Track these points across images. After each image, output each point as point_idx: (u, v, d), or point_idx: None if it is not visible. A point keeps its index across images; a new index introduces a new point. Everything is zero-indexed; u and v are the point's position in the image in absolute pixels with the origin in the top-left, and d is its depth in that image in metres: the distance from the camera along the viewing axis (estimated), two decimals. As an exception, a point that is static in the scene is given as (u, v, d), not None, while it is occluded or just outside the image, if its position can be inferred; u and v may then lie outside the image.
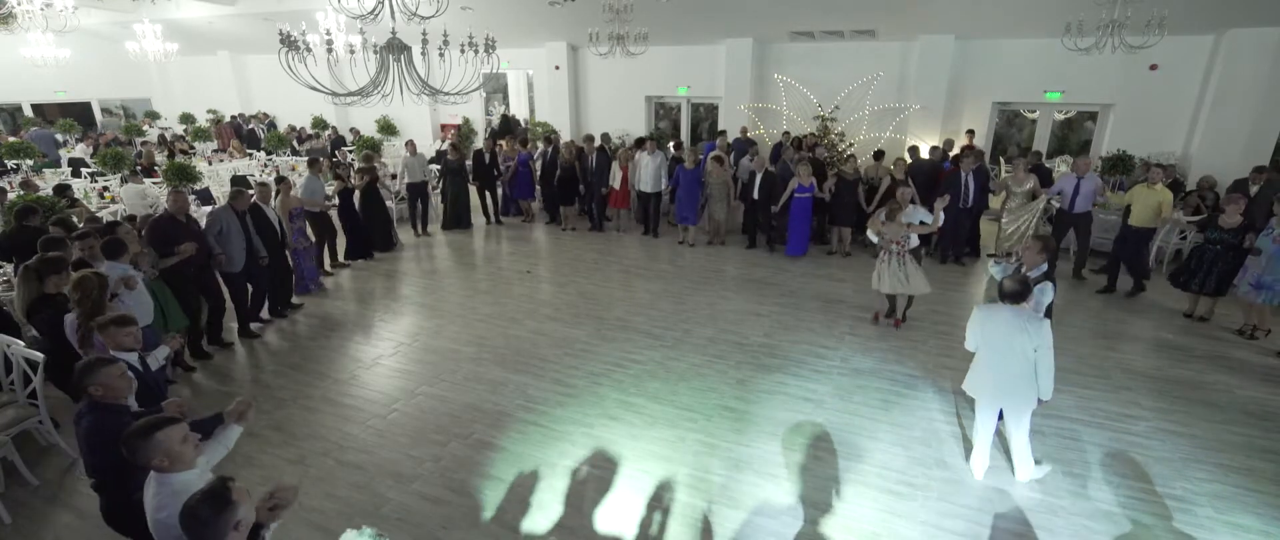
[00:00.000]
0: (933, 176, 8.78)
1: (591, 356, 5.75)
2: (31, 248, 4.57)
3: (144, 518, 2.26)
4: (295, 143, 14.57)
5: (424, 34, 4.84)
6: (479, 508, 3.80)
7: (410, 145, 10.12)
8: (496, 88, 17.82)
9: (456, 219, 10.27)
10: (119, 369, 2.70)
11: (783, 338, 6.14)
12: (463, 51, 5.28)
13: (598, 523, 3.68)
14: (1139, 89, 10.23)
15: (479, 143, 13.96)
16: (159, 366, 3.64)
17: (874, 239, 6.20)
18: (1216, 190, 8.13)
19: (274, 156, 13.30)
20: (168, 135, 15.16)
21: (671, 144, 10.96)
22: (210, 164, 11.86)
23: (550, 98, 15.03)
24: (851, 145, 11.70)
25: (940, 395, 5.08)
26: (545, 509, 3.79)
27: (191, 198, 6.90)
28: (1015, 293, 3.66)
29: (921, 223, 6.13)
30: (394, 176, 11.17)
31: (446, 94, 5.04)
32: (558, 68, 14.56)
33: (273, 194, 6.72)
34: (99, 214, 7.89)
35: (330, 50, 5.05)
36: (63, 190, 8.02)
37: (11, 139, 12.15)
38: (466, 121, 15.83)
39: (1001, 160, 12.49)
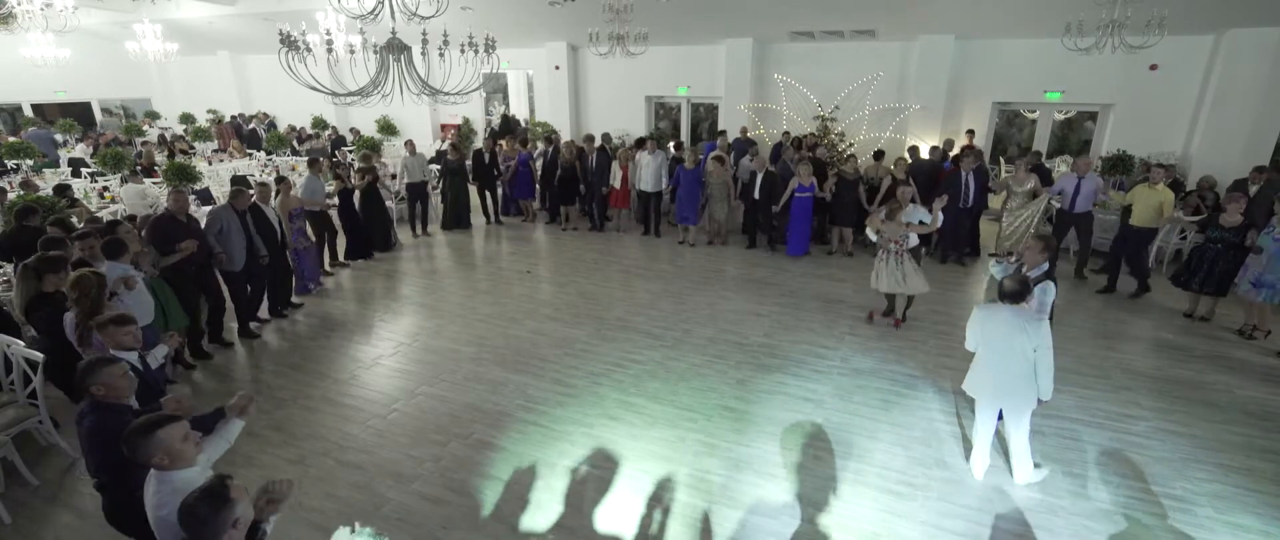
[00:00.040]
0: (933, 176, 8.78)
1: (591, 356, 5.75)
2: (31, 248, 4.57)
3: (146, 517, 2.26)
4: (295, 143, 14.57)
5: (424, 34, 4.83)
6: (479, 508, 3.80)
7: (409, 145, 10.12)
8: (496, 88, 17.82)
9: (456, 219, 10.27)
10: (121, 369, 2.70)
11: (783, 338, 6.14)
12: (463, 51, 5.28)
13: (597, 522, 3.68)
14: (1139, 89, 10.23)
15: (479, 143, 13.95)
16: (158, 365, 3.64)
17: (873, 237, 6.21)
18: (1216, 190, 8.13)
19: (274, 156, 13.30)
20: (168, 135, 15.16)
21: (672, 144, 10.97)
22: (210, 164, 11.86)
23: (550, 98, 15.03)
24: (851, 145, 11.70)
25: (940, 395, 5.08)
26: (545, 509, 3.79)
27: (191, 198, 6.90)
28: (1015, 292, 3.66)
29: (920, 222, 6.14)
30: (394, 176, 11.17)
31: (446, 94, 5.04)
32: (558, 68, 14.56)
33: (272, 194, 6.72)
34: (99, 214, 7.89)
35: (330, 50, 5.05)
36: (63, 190, 8.02)
37: (11, 139, 12.15)
38: (466, 121, 15.83)
39: (1001, 160, 12.50)
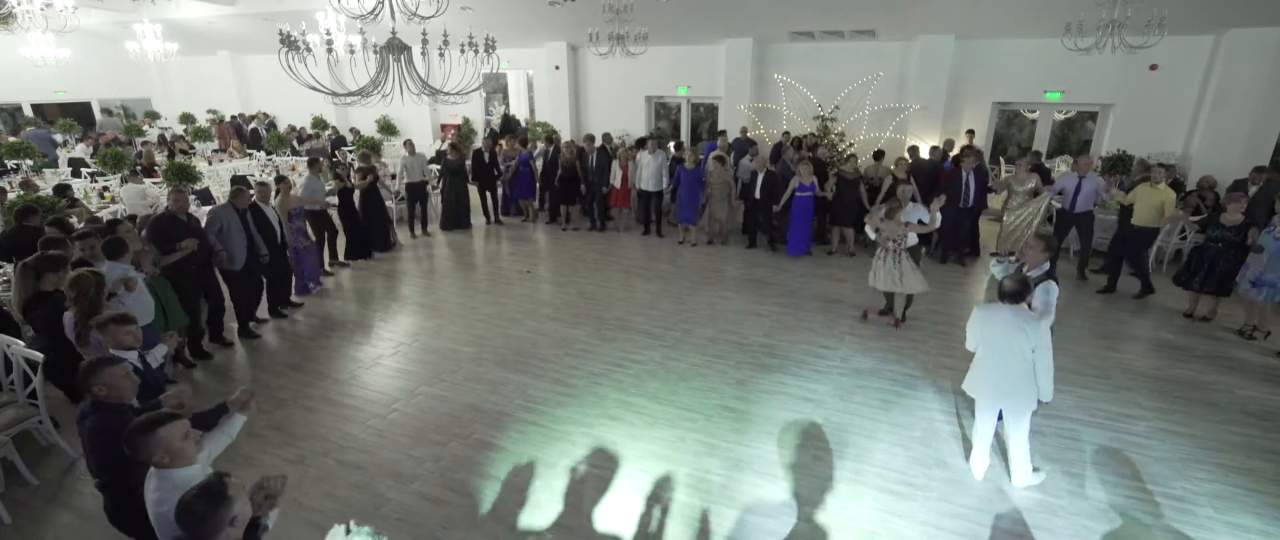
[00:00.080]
0: (933, 176, 8.79)
1: (591, 356, 5.75)
2: (31, 248, 4.57)
3: (148, 517, 2.26)
4: (295, 143, 14.57)
5: (424, 34, 4.83)
6: (479, 507, 3.80)
7: (409, 145, 10.12)
8: (496, 88, 17.82)
9: (456, 219, 10.27)
10: (124, 369, 2.70)
11: (783, 338, 6.14)
12: (463, 51, 5.28)
13: (597, 522, 3.68)
14: (1139, 89, 10.23)
15: (479, 143, 13.95)
16: (158, 365, 3.64)
17: (872, 235, 6.22)
18: (1216, 190, 8.14)
19: (274, 156, 13.30)
20: (168, 135, 15.16)
21: (672, 144, 10.97)
22: (210, 164, 11.86)
23: (550, 98, 15.03)
24: (851, 145, 11.70)
25: (940, 395, 5.08)
26: (545, 508, 3.79)
27: (191, 197, 6.90)
28: (1014, 293, 3.66)
29: (920, 222, 6.15)
30: (394, 176, 11.17)
31: (446, 94, 5.04)
32: (558, 68, 14.56)
33: (272, 193, 6.72)
34: (99, 214, 7.89)
35: (330, 50, 5.05)
36: (63, 190, 8.02)
37: (11, 139, 12.15)
38: (466, 121, 15.83)
39: (1001, 160, 12.50)
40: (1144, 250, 7.18)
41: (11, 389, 4.22)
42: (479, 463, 4.21)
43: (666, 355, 5.76)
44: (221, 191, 9.56)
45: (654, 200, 9.70)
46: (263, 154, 13.59)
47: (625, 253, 9.08)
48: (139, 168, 10.20)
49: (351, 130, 16.14)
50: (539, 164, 10.78)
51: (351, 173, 8.87)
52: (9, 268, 5.59)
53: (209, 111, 17.19)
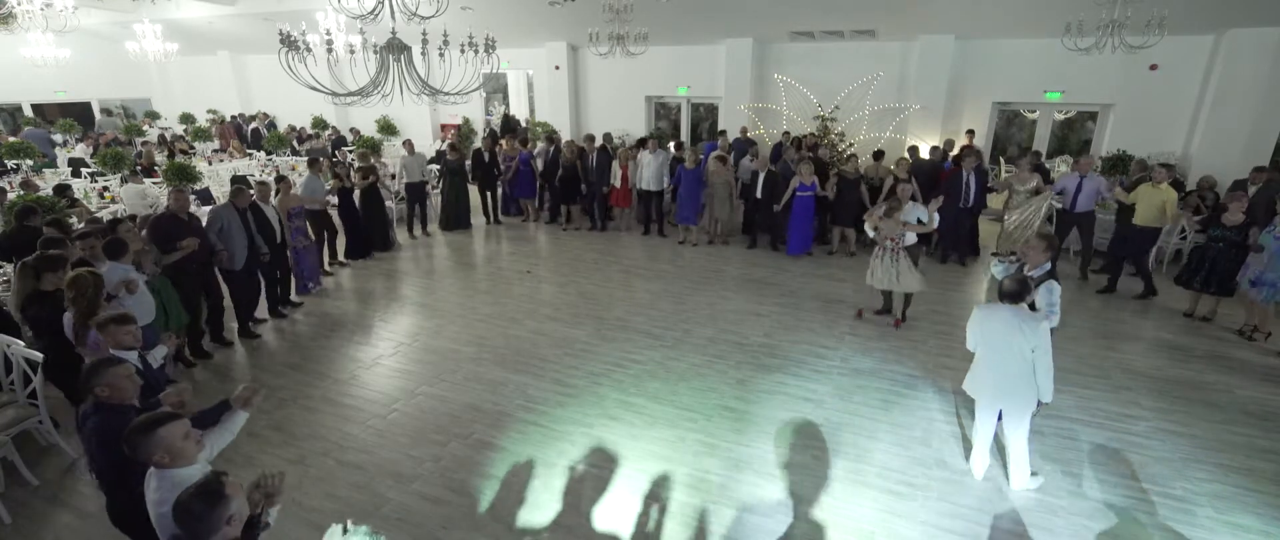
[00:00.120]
0: (933, 176, 8.79)
1: (591, 356, 5.75)
2: (31, 248, 4.56)
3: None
4: (295, 143, 14.57)
5: (424, 34, 4.83)
6: (479, 507, 3.80)
7: (408, 145, 10.12)
8: (496, 88, 17.82)
9: (456, 219, 10.26)
10: (126, 370, 2.69)
11: (783, 338, 6.14)
12: (463, 51, 5.28)
13: (597, 522, 3.68)
14: (1139, 89, 10.23)
15: (479, 143, 13.96)
16: (158, 365, 3.64)
17: (871, 233, 6.23)
18: (1216, 190, 8.14)
19: (274, 156, 13.30)
20: (167, 135, 15.16)
21: (672, 144, 10.97)
22: (210, 164, 11.86)
23: (550, 98, 15.03)
24: (851, 145, 11.71)
25: (940, 395, 5.08)
26: (545, 508, 3.79)
27: (191, 197, 6.90)
28: (1014, 293, 3.66)
29: (919, 222, 6.16)
30: (393, 176, 11.17)
31: (446, 94, 5.04)
32: (558, 68, 14.56)
33: (272, 192, 6.72)
34: (99, 214, 7.89)
35: (330, 50, 5.05)
36: (63, 190, 8.02)
37: (11, 139, 12.15)
38: (466, 121, 15.83)
39: (1001, 160, 12.50)
40: (1147, 250, 7.17)
41: (11, 389, 4.22)
42: (479, 463, 4.21)
43: (666, 355, 5.76)
44: (221, 191, 9.56)
45: (655, 200, 9.70)
46: (263, 154, 13.59)
47: (625, 253, 9.08)
48: (139, 168, 10.20)
49: (351, 130, 16.14)
50: (539, 163, 10.79)
51: (351, 172, 8.87)
52: (9, 268, 5.59)
53: (209, 111, 17.19)
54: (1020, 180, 8.08)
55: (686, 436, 4.51)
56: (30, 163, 11.16)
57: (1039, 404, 3.74)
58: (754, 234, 9.29)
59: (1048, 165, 10.28)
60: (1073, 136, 12.53)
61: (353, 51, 6.94)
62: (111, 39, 15.41)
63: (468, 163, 10.56)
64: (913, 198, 6.74)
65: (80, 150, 12.88)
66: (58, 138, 14.12)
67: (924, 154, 9.44)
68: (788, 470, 4.15)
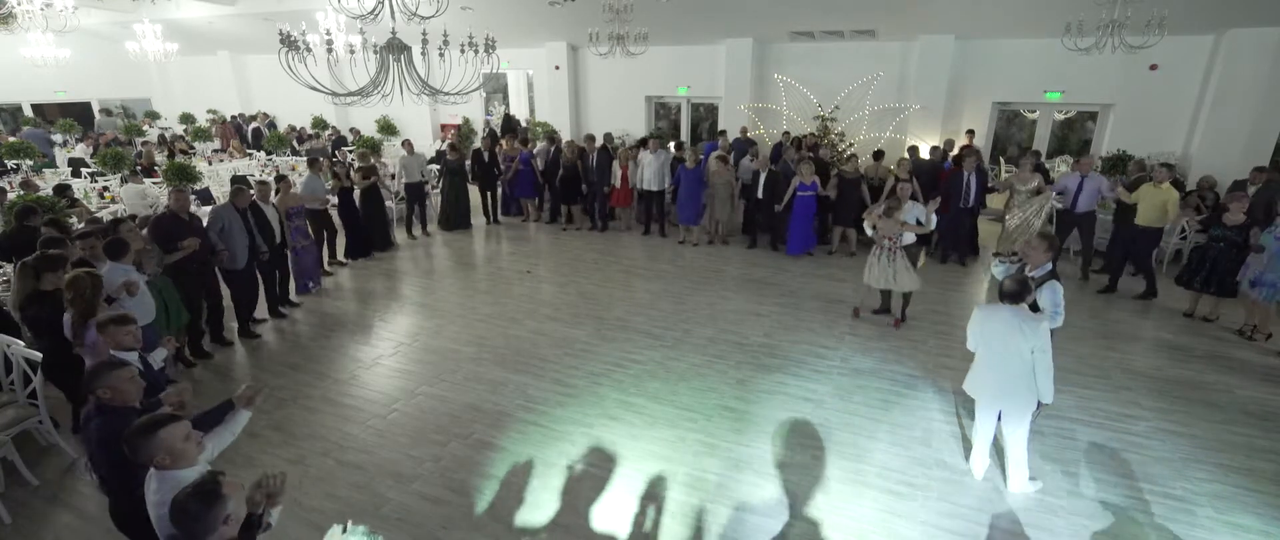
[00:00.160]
0: (934, 176, 8.79)
1: (591, 356, 5.75)
2: (31, 248, 4.56)
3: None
4: (295, 143, 14.57)
5: (424, 34, 4.83)
6: (479, 507, 3.80)
7: (407, 145, 10.12)
8: (496, 88, 17.82)
9: (456, 219, 10.26)
10: (129, 373, 2.69)
11: (783, 338, 6.14)
12: (463, 51, 5.28)
13: (597, 522, 3.68)
14: (1139, 89, 10.23)
15: (478, 143, 13.96)
16: (159, 367, 3.64)
17: (869, 232, 6.24)
18: (1216, 190, 8.14)
19: (274, 156, 13.30)
20: (167, 135, 15.16)
21: (672, 144, 10.97)
22: (210, 164, 11.86)
23: (550, 98, 15.03)
24: (851, 145, 11.71)
25: (940, 395, 5.08)
26: (545, 508, 3.79)
27: (191, 197, 6.91)
28: (1015, 293, 3.65)
29: (917, 222, 6.16)
30: (393, 176, 11.17)
31: (446, 94, 5.04)
32: (558, 68, 14.56)
33: (272, 192, 6.72)
34: (99, 214, 7.89)
35: (330, 50, 5.05)
36: (63, 190, 8.02)
37: (11, 139, 12.15)
38: (466, 121, 15.83)
39: (1001, 160, 12.50)
40: (1150, 251, 7.16)
41: (11, 389, 4.22)
42: (479, 463, 4.21)
43: (666, 355, 5.76)
44: (221, 191, 9.56)
45: (655, 200, 9.70)
46: (263, 154, 13.59)
47: (625, 253, 9.08)
48: (139, 168, 10.19)
49: (351, 130, 16.14)
50: (540, 163, 10.79)
51: (351, 172, 8.87)
52: (9, 268, 5.59)
53: (209, 111, 17.19)
54: (1022, 180, 8.08)
55: (686, 436, 4.51)
56: (30, 163, 11.16)
57: (1039, 406, 3.74)
58: (754, 234, 9.29)
59: (1047, 165, 10.27)
60: (1072, 136, 12.53)
61: (353, 51, 6.94)
62: (111, 39, 15.41)
63: (468, 163, 10.55)
64: (913, 197, 6.75)
65: (80, 150, 12.88)
66: (57, 138, 14.12)
67: (924, 154, 9.44)
68: (787, 470, 4.15)
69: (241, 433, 2.87)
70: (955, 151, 9.55)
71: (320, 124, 16.12)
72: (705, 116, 14.92)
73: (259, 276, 6.38)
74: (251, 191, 6.28)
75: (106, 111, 18.13)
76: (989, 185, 8.58)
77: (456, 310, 6.89)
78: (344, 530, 2.34)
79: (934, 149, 9.52)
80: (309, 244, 7.49)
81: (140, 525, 2.44)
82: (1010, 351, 3.63)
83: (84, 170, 11.18)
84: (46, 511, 3.80)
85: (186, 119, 16.68)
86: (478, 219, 10.71)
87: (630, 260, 8.71)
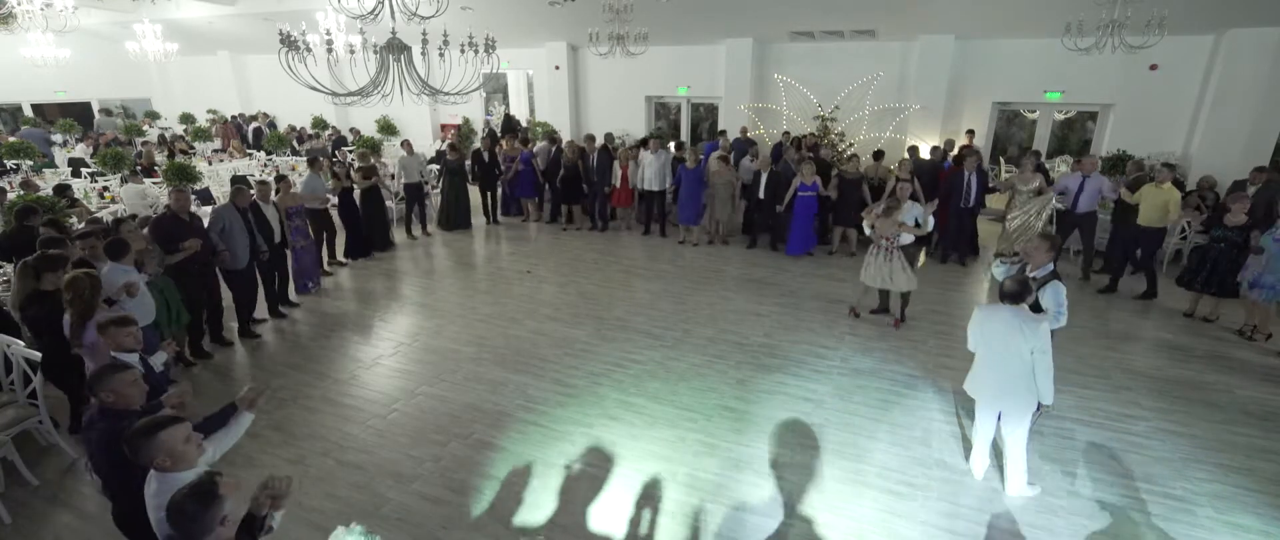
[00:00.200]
0: (934, 176, 8.79)
1: (591, 356, 5.75)
2: (31, 248, 4.56)
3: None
4: (295, 143, 14.57)
5: (424, 34, 4.83)
6: (479, 507, 3.80)
7: (406, 145, 10.12)
8: (496, 88, 17.82)
9: (456, 219, 10.26)
10: (132, 376, 2.68)
11: (783, 338, 6.14)
12: (463, 51, 5.28)
13: (596, 523, 3.68)
14: (1139, 89, 10.23)
15: (478, 143, 13.96)
16: (160, 369, 3.64)
17: (868, 232, 6.25)
18: (1217, 190, 8.14)
19: (274, 156, 13.30)
20: (167, 135, 15.16)
21: (672, 144, 10.97)
22: (210, 164, 11.86)
23: (550, 98, 15.03)
24: (851, 145, 11.71)
25: (940, 395, 5.08)
26: (545, 508, 3.79)
27: (192, 197, 6.91)
28: (1015, 293, 3.65)
29: (915, 222, 6.16)
30: (393, 176, 11.18)
31: (446, 94, 5.04)
32: (558, 68, 14.56)
33: (272, 192, 6.72)
34: (99, 214, 7.89)
35: (330, 50, 5.05)
36: (63, 190, 8.02)
37: (11, 139, 12.15)
38: (466, 121, 15.83)
39: (1001, 160, 12.50)
40: (1153, 251, 7.15)
41: (11, 389, 4.22)
42: (479, 463, 4.21)
43: (667, 355, 5.76)
44: (222, 191, 9.56)
45: (656, 200, 9.70)
46: (263, 154, 13.59)
47: (625, 253, 9.08)
48: (139, 168, 10.19)
49: (351, 130, 16.14)
50: (540, 162, 10.79)
51: (351, 172, 8.87)
52: (9, 268, 5.59)
53: (209, 111, 17.19)
54: (1023, 180, 8.08)
55: (686, 436, 4.51)
56: (30, 163, 11.16)
57: (1039, 408, 3.73)
58: (754, 234, 9.29)
59: (1047, 165, 10.27)
60: (1073, 136, 12.53)
61: (353, 51, 6.94)
62: (111, 39, 15.41)
63: (468, 163, 10.54)
64: (913, 197, 6.75)
65: (80, 150, 12.88)
66: (57, 138, 14.12)
67: (924, 154, 9.44)
68: (787, 470, 4.15)
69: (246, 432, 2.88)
70: (955, 151, 9.55)
71: (320, 124, 16.12)
72: (705, 116, 14.92)
73: (258, 276, 6.38)
74: (252, 191, 6.29)
75: (106, 111, 18.12)
76: (989, 185, 8.58)
77: (456, 310, 6.89)
78: (347, 530, 2.35)
79: (934, 149, 9.52)
80: (308, 244, 7.49)
81: (141, 528, 2.44)
82: (1010, 352, 3.62)
83: (84, 170, 11.18)
84: (46, 511, 3.80)
85: (186, 119, 16.68)
86: (478, 219, 10.71)
87: (630, 260, 8.71)
